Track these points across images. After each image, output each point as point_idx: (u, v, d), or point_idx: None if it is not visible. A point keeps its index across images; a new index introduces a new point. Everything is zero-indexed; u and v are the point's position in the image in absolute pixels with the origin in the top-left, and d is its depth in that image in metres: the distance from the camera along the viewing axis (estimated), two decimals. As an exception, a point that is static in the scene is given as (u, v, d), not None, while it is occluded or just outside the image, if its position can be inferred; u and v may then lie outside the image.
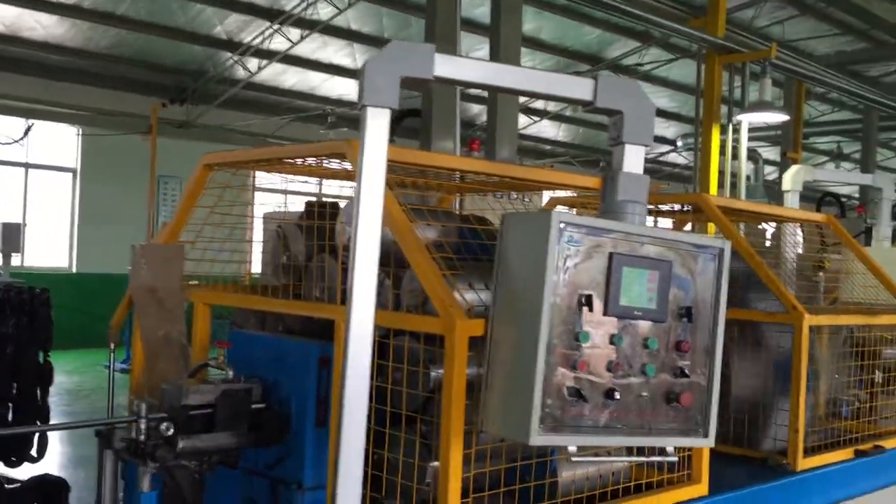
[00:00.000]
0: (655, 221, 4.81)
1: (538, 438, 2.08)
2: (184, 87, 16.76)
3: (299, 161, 2.86)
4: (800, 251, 5.21)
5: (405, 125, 7.92)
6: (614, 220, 2.27)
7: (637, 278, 2.21)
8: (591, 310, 2.14)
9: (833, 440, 3.81)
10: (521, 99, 19.76)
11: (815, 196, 13.66)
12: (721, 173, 9.89)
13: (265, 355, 2.84)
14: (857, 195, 17.61)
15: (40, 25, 14.20)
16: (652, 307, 2.24)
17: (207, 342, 3.11)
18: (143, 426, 2.52)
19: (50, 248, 16.13)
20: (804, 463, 3.48)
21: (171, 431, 2.53)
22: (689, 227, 4.79)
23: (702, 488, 3.02)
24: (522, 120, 20.97)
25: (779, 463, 3.49)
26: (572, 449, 2.19)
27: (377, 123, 2.11)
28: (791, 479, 3.40)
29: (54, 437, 7.06)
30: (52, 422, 5.63)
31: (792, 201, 5.93)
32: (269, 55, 15.45)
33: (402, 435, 2.48)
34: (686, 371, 2.28)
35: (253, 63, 15.82)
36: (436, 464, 2.47)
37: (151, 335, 3.34)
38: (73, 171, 16.32)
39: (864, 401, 4.23)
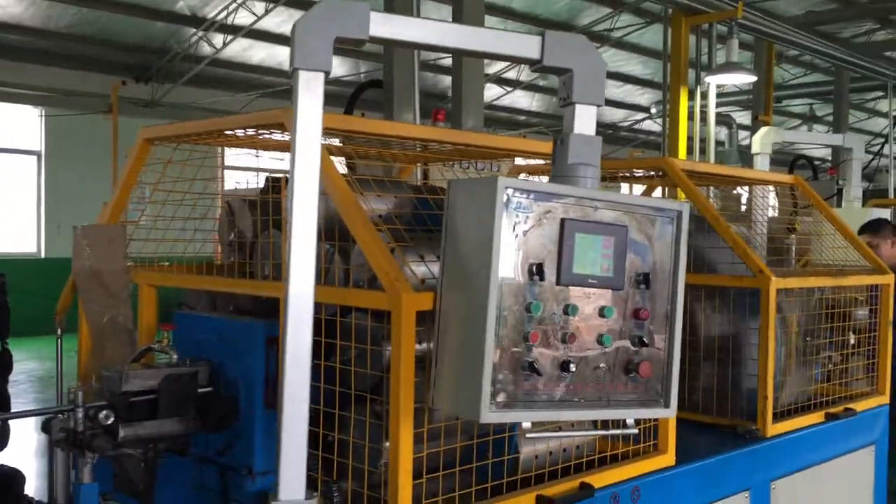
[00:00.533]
0: (630, 189, 4.71)
1: (489, 416, 1.98)
2: (148, 66, 16.46)
3: (240, 132, 2.72)
4: (775, 215, 5.14)
5: (371, 98, 7.79)
6: (565, 185, 2.17)
7: (591, 245, 2.11)
8: (542, 279, 2.04)
9: (805, 403, 3.75)
10: (494, 69, 19.65)
11: (788, 160, 13.65)
12: (690, 138, 9.80)
13: (212, 337, 2.71)
14: (830, 158, 17.64)
15: (-3, 5, 13.86)
16: (608, 275, 2.13)
17: (154, 325, 2.99)
18: (80, 415, 2.39)
19: (17, 233, 15.87)
20: (774, 429, 3.42)
21: (110, 420, 2.41)
22: (658, 192, 4.70)
23: (668, 458, 2.95)
24: (495, 90, 20.86)
25: (748, 429, 3.43)
26: (527, 425, 2.10)
27: (310, 88, 1.98)
28: (760, 446, 3.34)
29: (23, 425, 6.91)
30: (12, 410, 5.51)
31: (762, 164, 5.86)
32: (234, 30, 15.17)
33: (352, 416, 2.37)
34: (644, 340, 2.19)
35: (218, 39, 15.53)
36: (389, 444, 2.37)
37: (97, 320, 3.21)
38: (38, 153, 16.02)
39: (838, 363, 4.18)
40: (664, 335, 2.24)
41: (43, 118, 15.87)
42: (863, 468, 3.98)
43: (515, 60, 2.20)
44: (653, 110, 19.77)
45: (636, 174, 3.97)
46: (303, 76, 1.98)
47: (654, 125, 22.52)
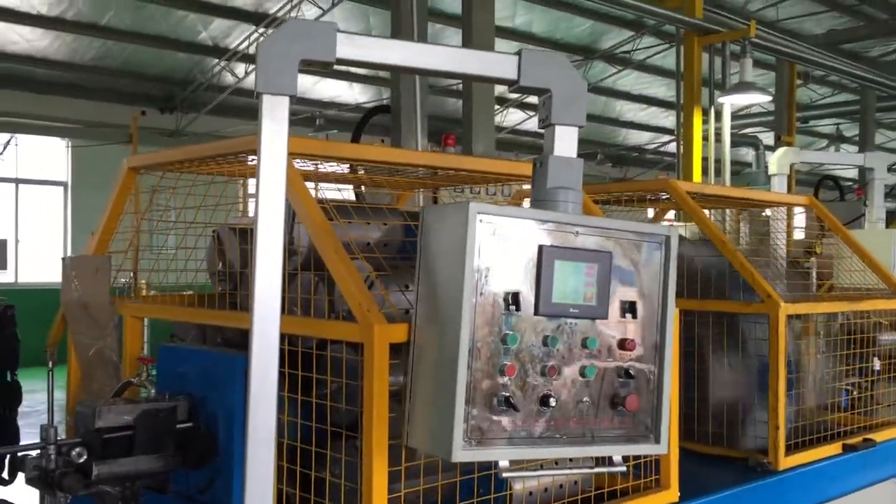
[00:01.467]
0: (648, 215, 4.58)
1: (462, 454, 1.88)
2: (172, 96, 16.63)
3: (220, 160, 2.66)
4: (802, 237, 4.99)
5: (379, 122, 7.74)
6: (544, 210, 2.07)
7: (572, 272, 2.01)
8: (518, 309, 1.94)
9: (823, 434, 3.59)
10: (515, 95, 19.60)
11: (814, 180, 13.41)
12: (706, 159, 9.62)
13: (194, 370, 2.64)
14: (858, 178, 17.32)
15: (23, 39, 14.08)
16: (591, 304, 2.03)
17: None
18: (52, 452, 2.32)
19: (45, 263, 16.02)
20: (787, 461, 3.27)
21: (83, 457, 2.34)
22: (671, 215, 4.58)
23: (671, 494, 2.81)
24: (518, 115, 20.81)
25: (759, 462, 3.28)
26: (504, 463, 1.99)
27: (275, 113, 1.92)
28: (771, 480, 3.19)
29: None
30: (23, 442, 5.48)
31: (779, 185, 5.70)
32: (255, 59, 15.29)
33: (328, 453, 2.28)
34: (631, 372, 2.08)
35: (241, 69, 15.66)
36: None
37: (84, 352, 3.15)
38: (64, 184, 16.20)
39: (865, 389, 4.02)
40: (653, 366, 2.13)
41: (69, 149, 16.08)
42: (884, 503, 3.80)
43: (492, 81, 2.12)
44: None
45: (645, 197, 3.86)
46: (267, 101, 1.92)
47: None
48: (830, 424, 3.63)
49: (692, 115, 9.85)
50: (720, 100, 9.50)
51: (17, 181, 15.81)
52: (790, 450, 3.33)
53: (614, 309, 2.07)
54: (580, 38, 17.72)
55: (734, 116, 9.87)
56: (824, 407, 3.77)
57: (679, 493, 2.83)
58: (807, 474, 3.33)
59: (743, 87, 9.18)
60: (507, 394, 1.93)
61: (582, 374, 2.03)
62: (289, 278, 2.60)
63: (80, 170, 16.00)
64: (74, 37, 14.30)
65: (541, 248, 1.97)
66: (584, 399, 2.04)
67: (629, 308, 2.09)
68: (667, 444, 2.14)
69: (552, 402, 1.98)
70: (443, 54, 2.01)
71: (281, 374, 2.27)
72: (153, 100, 16.34)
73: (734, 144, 10.61)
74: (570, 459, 2.28)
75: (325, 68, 1.99)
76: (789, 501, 3.25)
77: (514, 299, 1.93)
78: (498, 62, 2.05)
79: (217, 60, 15.53)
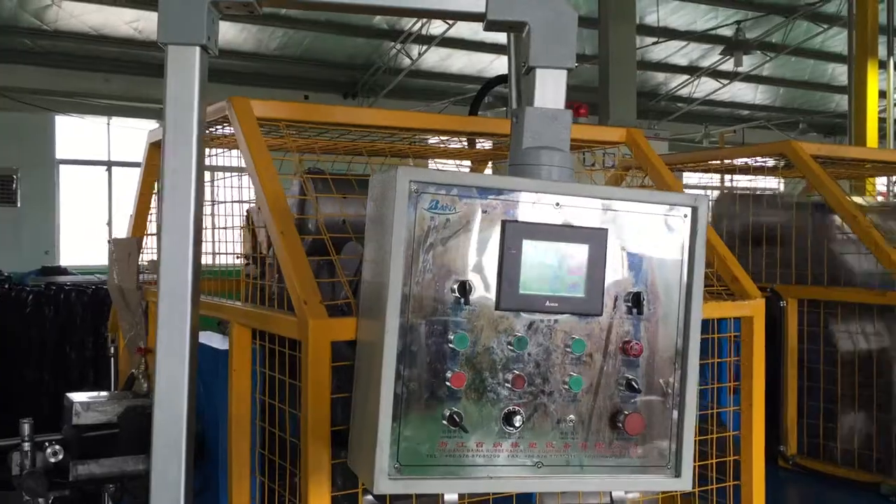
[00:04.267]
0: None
1: (388, 484, 1.49)
2: (355, 82, 16.94)
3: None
4: None
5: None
6: (521, 176, 1.63)
7: (549, 255, 1.56)
8: (466, 302, 1.52)
9: None
10: (708, 60, 18.33)
11: None
12: (883, 120, 8.30)
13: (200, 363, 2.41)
14: None
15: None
16: (576, 295, 1.58)
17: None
18: (27, 449, 2.17)
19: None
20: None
21: (59, 456, 2.17)
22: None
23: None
24: (711, 84, 19.46)
25: (895, 489, 2.62)
26: (451, 497, 1.59)
27: (181, 66, 1.61)
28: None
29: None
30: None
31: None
32: (430, 40, 15.23)
33: (288, 467, 1.96)
34: (636, 384, 1.60)
35: (416, 50, 15.68)
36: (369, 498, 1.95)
37: (126, 339, 3.03)
38: (255, 171, 16.95)
39: None
40: (671, 378, 1.64)
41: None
42: None
43: (457, 17, 1.70)
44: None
45: (762, 164, 3.23)
46: (171, 52, 1.61)
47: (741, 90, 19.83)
48: None
49: (865, 67, 8.47)
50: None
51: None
52: (943, 476, 2.65)
53: (613, 303, 1.60)
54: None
55: None
56: None
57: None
58: (959, 510, 2.63)
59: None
60: (456, 410, 1.52)
61: (565, 385, 1.58)
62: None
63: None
64: (259, 28, 14.84)
65: (504, 224, 1.54)
66: (569, 418, 1.59)
67: (633, 301, 1.61)
68: (690, 479, 1.65)
69: (517, 420, 1.55)
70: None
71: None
72: (338, 86, 16.71)
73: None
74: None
75: (248, 12, 1.65)
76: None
77: (462, 289, 1.52)
78: (457, -9, 1.63)
79: (393, 44, 15.61)
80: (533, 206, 1.56)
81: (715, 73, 18.71)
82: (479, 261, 1.53)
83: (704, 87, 19.49)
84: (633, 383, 1.60)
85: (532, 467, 1.57)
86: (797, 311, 2.95)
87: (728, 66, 18.46)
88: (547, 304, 1.56)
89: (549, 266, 1.56)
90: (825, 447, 2.87)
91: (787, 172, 3.23)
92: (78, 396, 2.32)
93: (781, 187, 4.01)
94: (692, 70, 18.85)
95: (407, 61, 16.01)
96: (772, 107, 21.40)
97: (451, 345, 1.51)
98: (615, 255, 1.60)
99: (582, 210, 1.59)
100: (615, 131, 2.64)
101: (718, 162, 3.16)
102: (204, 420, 2.28)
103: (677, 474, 1.65)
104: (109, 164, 16.02)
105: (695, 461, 1.70)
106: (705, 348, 2.43)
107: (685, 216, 1.65)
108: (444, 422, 1.51)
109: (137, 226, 2.91)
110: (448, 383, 1.51)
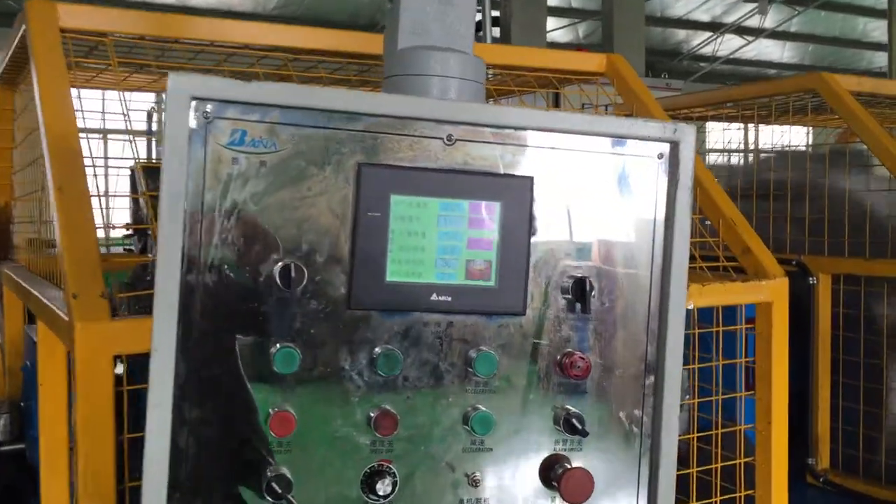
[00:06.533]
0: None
1: None
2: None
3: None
4: None
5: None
6: (395, 93, 1.04)
7: (436, 220, 0.97)
8: (294, 297, 0.94)
9: None
10: (732, 16, 17.45)
11: None
12: None
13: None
14: None
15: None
16: (482, 283, 0.99)
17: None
18: None
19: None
20: None
21: None
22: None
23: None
24: (735, 42, 18.57)
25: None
26: None
27: None
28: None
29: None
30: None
31: None
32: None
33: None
34: (577, 424, 1.01)
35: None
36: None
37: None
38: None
39: None
40: (638, 409, 1.05)
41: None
42: None
43: None
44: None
45: (788, 105, 2.59)
46: None
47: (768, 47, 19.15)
48: None
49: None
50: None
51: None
52: None
53: (544, 295, 1.02)
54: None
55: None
56: None
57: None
58: None
59: None
60: (277, 473, 0.93)
61: (465, 427, 0.99)
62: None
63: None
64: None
65: (360, 170, 0.95)
66: (474, 476, 1.01)
67: (575, 291, 1.01)
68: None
69: (387, 486, 0.96)
70: None
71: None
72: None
73: None
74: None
75: None
76: None
77: (286, 276, 0.93)
78: None
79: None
80: (411, 141, 0.96)
81: (739, 30, 17.82)
82: (318, 229, 0.94)
83: (728, 44, 18.61)
84: (577, 421, 1.01)
85: (411, 551, 1.00)
86: (830, 289, 2.32)
87: (753, 22, 17.58)
88: (433, 298, 0.98)
89: (436, 238, 0.97)
90: (865, 461, 2.27)
91: (818, 120, 2.59)
92: None
93: (810, 139, 3.38)
94: (715, 27, 17.98)
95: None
96: (800, 65, 20.45)
97: (271, 367, 0.93)
98: (547, 218, 1.01)
99: (491, 148, 0.99)
100: (592, 58, 2.04)
101: (733, 107, 2.53)
102: (34, 446, 1.73)
103: (649, 558, 1.06)
104: None
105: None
106: (706, 345, 1.84)
107: (659, 156, 1.05)
108: (262, 494, 0.93)
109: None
110: (266, 430, 0.93)
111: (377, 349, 0.96)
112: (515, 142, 1.00)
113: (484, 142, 0.99)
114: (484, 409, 0.99)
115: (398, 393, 0.97)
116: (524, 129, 0.99)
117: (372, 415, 0.96)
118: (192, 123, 0.90)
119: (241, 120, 0.92)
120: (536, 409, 1.02)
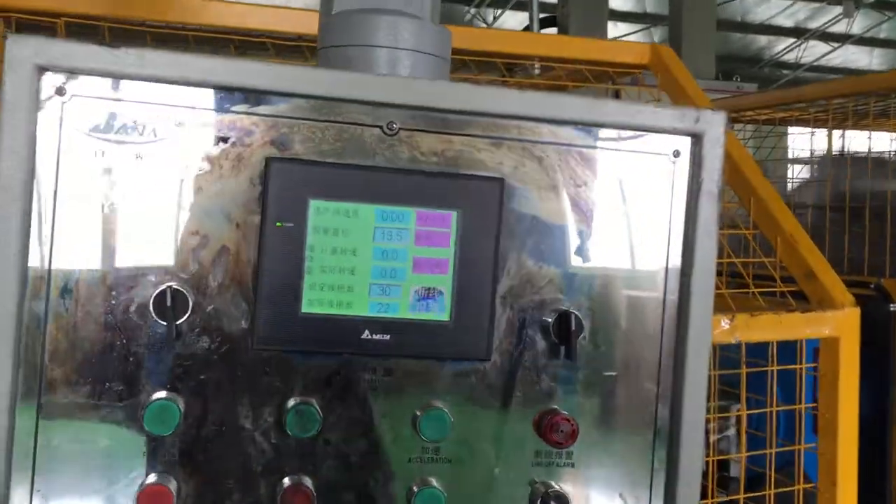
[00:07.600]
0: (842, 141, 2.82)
1: None
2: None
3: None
4: None
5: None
6: (329, 68, 0.80)
7: (370, 233, 0.73)
8: (176, 334, 0.70)
9: None
10: (816, 22, 16.76)
11: None
12: None
13: None
14: None
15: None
16: (433, 317, 0.74)
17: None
18: None
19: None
20: None
21: None
22: None
23: None
24: (820, 48, 17.84)
25: None
26: None
27: None
28: None
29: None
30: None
31: None
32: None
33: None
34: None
35: (490, 15, 14.82)
36: None
37: None
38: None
39: None
40: (641, 491, 0.79)
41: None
42: None
43: None
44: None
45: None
46: None
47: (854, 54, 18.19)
48: None
49: None
50: None
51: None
52: None
53: (518, 334, 0.77)
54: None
55: None
56: None
57: None
58: None
59: None
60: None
61: (409, 506, 0.75)
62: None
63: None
64: None
65: (269, 165, 0.72)
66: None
67: (560, 330, 0.76)
68: None
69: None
70: None
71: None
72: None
73: None
74: None
75: None
76: None
77: (161, 307, 0.70)
78: None
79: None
80: (338, 129, 0.73)
81: (824, 36, 17.09)
82: (210, 244, 0.71)
83: (812, 51, 17.89)
84: (560, 503, 0.76)
85: None
86: (916, 317, 2.01)
87: (839, 27, 16.83)
88: (365, 336, 0.74)
89: (370, 257, 0.73)
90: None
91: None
92: None
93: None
94: (799, 32, 17.29)
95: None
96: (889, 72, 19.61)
97: (143, 429, 0.70)
98: (521, 234, 0.76)
99: (447, 140, 0.75)
100: (633, 48, 1.77)
101: (806, 109, 2.21)
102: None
103: None
104: None
105: None
106: (758, 385, 1.55)
107: (675, 154, 0.79)
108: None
109: None
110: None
111: (289, 402, 0.73)
112: (480, 132, 0.75)
113: (437, 132, 0.75)
114: (434, 484, 0.75)
115: (316, 461, 0.74)
116: (490, 115, 0.75)
117: (280, 490, 0.72)
118: (43, 102, 0.69)
119: (108, 99, 0.70)
120: (506, 486, 0.77)
